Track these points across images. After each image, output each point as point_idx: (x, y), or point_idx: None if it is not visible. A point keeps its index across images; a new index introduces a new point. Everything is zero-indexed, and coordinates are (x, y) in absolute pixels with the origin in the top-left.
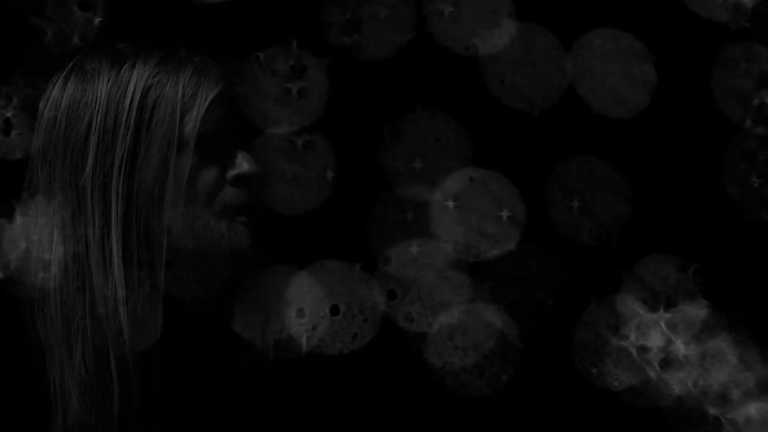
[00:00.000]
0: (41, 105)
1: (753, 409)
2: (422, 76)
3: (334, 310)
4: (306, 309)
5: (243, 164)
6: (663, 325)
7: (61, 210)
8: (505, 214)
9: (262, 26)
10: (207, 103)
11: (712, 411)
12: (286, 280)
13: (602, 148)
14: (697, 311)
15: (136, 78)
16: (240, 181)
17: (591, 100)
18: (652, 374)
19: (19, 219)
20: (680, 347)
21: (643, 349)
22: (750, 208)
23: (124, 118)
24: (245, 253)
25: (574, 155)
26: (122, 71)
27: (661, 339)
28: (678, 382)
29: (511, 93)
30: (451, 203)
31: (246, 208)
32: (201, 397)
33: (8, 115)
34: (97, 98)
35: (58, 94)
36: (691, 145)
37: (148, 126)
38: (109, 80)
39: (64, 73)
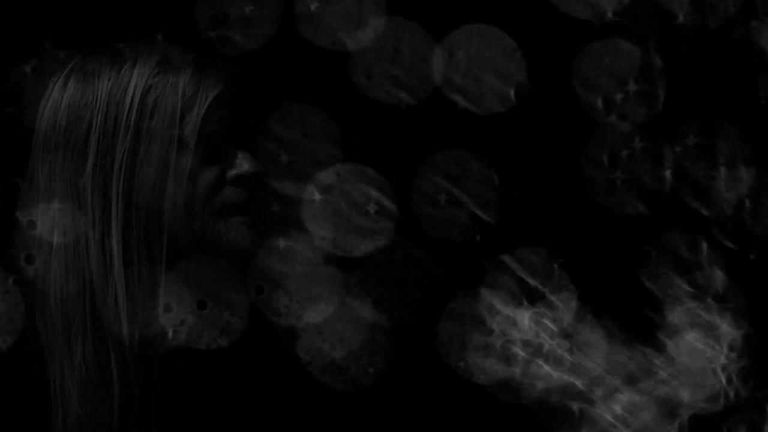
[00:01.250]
0: (41, 105)
1: (619, 401)
2: (289, 71)
3: (202, 305)
4: (173, 304)
5: (243, 164)
6: (528, 318)
7: (62, 210)
8: (372, 208)
9: (130, 20)
10: (207, 103)
11: (578, 404)
12: (156, 277)
13: (469, 143)
14: (562, 304)
15: (136, 78)
16: (240, 181)
17: (458, 95)
18: (518, 368)
19: (20, 218)
20: (546, 340)
21: (508, 343)
22: (614, 202)
23: (124, 118)
24: (245, 253)
25: (442, 150)
26: (122, 71)
27: (527, 332)
28: (543, 375)
29: (378, 88)
30: (318, 197)
31: (245, 207)
32: (201, 397)
33: None
34: (97, 98)
35: (59, 94)
36: (556, 140)
37: (148, 126)
38: (109, 80)
39: (65, 73)
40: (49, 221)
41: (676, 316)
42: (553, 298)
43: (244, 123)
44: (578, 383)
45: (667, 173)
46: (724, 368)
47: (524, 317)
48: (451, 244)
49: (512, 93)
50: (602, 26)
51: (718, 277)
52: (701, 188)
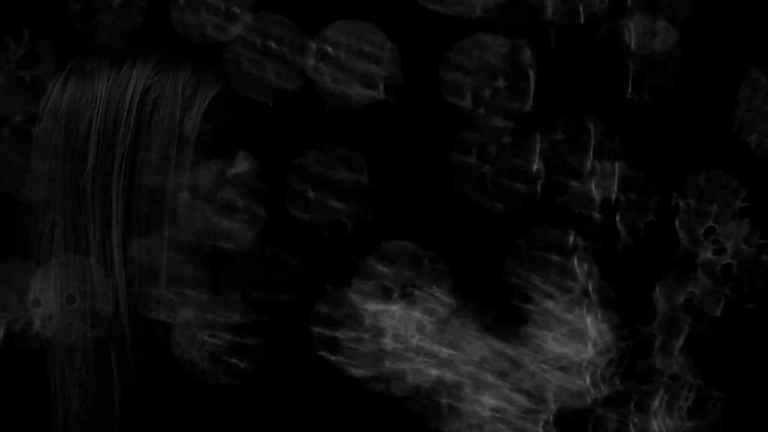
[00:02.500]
0: (41, 105)
1: (489, 395)
2: (158, 64)
3: (70, 300)
4: (41, 298)
5: (243, 163)
6: (398, 312)
7: (62, 210)
8: (241, 204)
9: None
10: (207, 102)
11: (447, 400)
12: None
13: (339, 138)
14: (432, 298)
15: (136, 78)
16: (240, 180)
17: (327, 91)
18: (389, 362)
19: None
20: (416, 334)
21: (378, 337)
22: (483, 196)
23: (124, 117)
24: (245, 252)
25: (312, 146)
26: (122, 71)
27: (397, 326)
28: (414, 369)
29: (248, 82)
30: (186, 193)
31: (246, 206)
32: (201, 397)
33: None
34: (97, 98)
35: (58, 94)
36: (426, 135)
37: (148, 125)
38: (109, 80)
39: (64, 73)
40: (48, 222)
41: (544, 310)
42: (423, 292)
43: (243, 122)
44: (448, 377)
45: (536, 168)
46: (591, 362)
47: (394, 311)
48: (321, 240)
49: (382, 88)
50: (471, 21)
51: (587, 271)
52: (570, 183)
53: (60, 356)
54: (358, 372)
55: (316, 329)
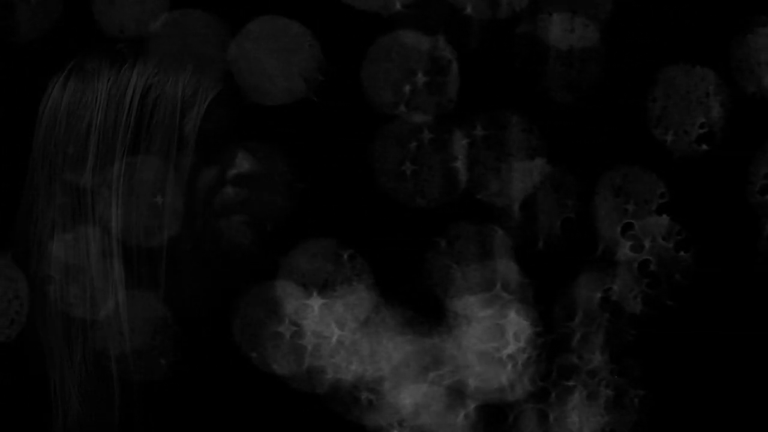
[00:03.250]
0: (41, 105)
1: (409, 390)
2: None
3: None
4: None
5: (243, 163)
6: (319, 308)
7: (61, 210)
8: (160, 200)
9: None
10: (207, 103)
11: (367, 394)
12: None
13: (261, 135)
14: (353, 295)
15: (136, 78)
16: (240, 180)
17: (248, 87)
18: (309, 358)
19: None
20: (336, 331)
21: (299, 334)
22: (403, 193)
23: (124, 117)
24: (245, 252)
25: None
26: (122, 71)
27: (318, 323)
28: (334, 365)
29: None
30: (108, 189)
31: (246, 206)
32: (201, 397)
33: None
34: (97, 98)
35: (58, 94)
36: (347, 132)
37: (148, 125)
38: (109, 80)
39: (64, 73)
40: (48, 221)
41: (464, 306)
42: (343, 288)
43: (243, 122)
44: (369, 372)
45: (457, 165)
46: (510, 358)
47: (315, 308)
48: (242, 236)
49: (302, 84)
50: (391, 18)
51: (507, 267)
52: (490, 179)
53: (59, 357)
54: (278, 368)
55: (238, 325)
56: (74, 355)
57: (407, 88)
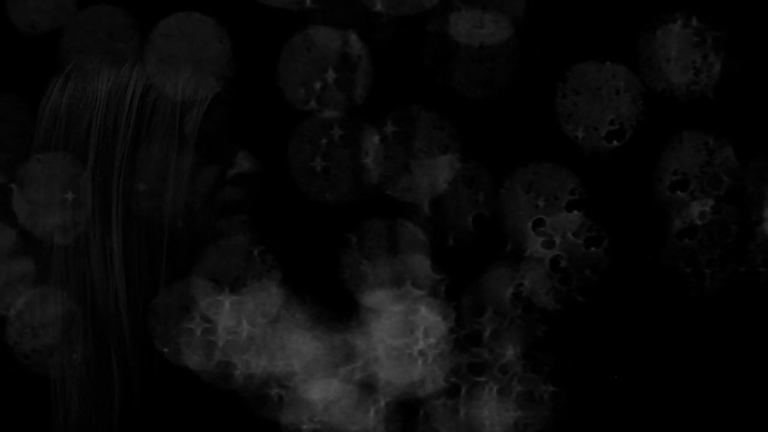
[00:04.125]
0: (41, 105)
1: (319, 386)
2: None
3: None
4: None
5: (243, 163)
6: (230, 305)
7: (62, 210)
8: (70, 197)
9: None
10: (207, 103)
11: (277, 390)
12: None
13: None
14: (263, 292)
15: (136, 78)
16: (240, 180)
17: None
18: (221, 354)
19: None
20: (247, 327)
21: (210, 330)
22: (314, 189)
23: (124, 117)
24: (245, 252)
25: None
26: (122, 71)
27: (228, 320)
28: (246, 361)
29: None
30: (14, 185)
31: (246, 206)
32: (201, 397)
33: None
34: (97, 98)
35: (58, 94)
36: (258, 128)
37: (148, 126)
38: (109, 80)
39: (65, 73)
40: (48, 221)
41: (375, 302)
42: (254, 284)
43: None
44: (279, 369)
45: (368, 161)
46: (421, 354)
47: (226, 304)
48: (160, 234)
49: (214, 81)
50: (301, 14)
51: (418, 263)
52: (401, 176)
53: (60, 356)
54: (190, 363)
55: (151, 322)
56: (74, 355)
57: (318, 84)
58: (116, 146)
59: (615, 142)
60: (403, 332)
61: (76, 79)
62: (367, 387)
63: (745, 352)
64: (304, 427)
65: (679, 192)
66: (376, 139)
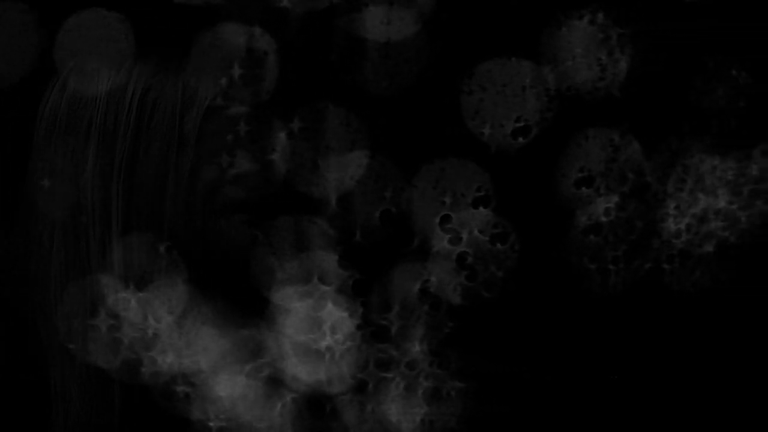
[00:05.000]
0: (41, 105)
1: (226, 383)
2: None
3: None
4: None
5: (243, 163)
6: (136, 302)
7: (62, 210)
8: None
9: None
10: (207, 103)
11: (183, 387)
12: None
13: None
14: (169, 288)
15: (136, 78)
16: (240, 180)
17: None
18: (127, 352)
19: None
20: (153, 324)
21: (116, 327)
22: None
23: (124, 118)
24: (245, 252)
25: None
26: (122, 71)
27: (136, 317)
28: (150, 359)
29: None
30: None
31: (246, 206)
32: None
33: None
34: (97, 98)
35: (59, 94)
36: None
37: (148, 125)
38: (109, 80)
39: (65, 74)
40: (49, 222)
41: (282, 298)
42: (160, 281)
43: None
44: (185, 365)
45: (274, 157)
46: (329, 349)
47: (132, 300)
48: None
49: (123, 79)
50: (209, 10)
51: (325, 259)
52: (304, 171)
53: (60, 356)
54: (96, 360)
55: (58, 319)
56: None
57: (223, 80)
58: (116, 146)
59: (521, 139)
60: (310, 328)
61: (76, 80)
62: (274, 383)
63: (648, 348)
64: (212, 423)
65: (584, 189)
66: (283, 135)
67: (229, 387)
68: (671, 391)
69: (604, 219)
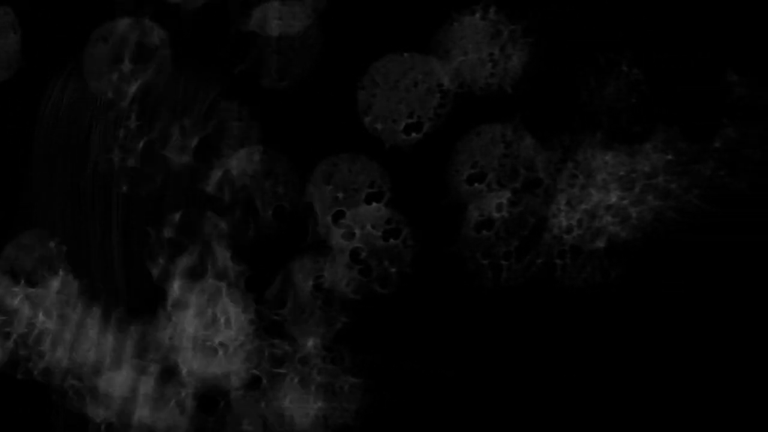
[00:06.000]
0: (42, 105)
1: (121, 378)
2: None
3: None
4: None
5: (243, 163)
6: (25, 298)
7: (62, 211)
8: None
9: None
10: (207, 102)
11: (75, 383)
12: None
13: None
14: (60, 284)
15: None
16: (240, 180)
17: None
18: (18, 348)
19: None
20: (43, 319)
21: (5, 322)
22: (115, 183)
23: (124, 118)
24: (245, 252)
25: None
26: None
27: (25, 312)
28: (40, 355)
29: None
30: None
31: (246, 206)
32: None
33: None
34: (97, 98)
35: (59, 94)
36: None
37: (147, 126)
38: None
39: (65, 73)
40: (49, 222)
41: (176, 293)
42: (50, 276)
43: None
44: (78, 359)
45: (168, 152)
46: (222, 345)
47: (22, 295)
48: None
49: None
50: (101, 4)
51: (219, 254)
52: (204, 167)
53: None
54: None
55: None
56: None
57: (114, 75)
58: (116, 146)
59: (413, 135)
60: (204, 324)
61: (77, 79)
62: (168, 378)
63: (541, 343)
64: (101, 419)
65: (476, 184)
66: (175, 129)
67: (122, 383)
68: (563, 385)
69: (496, 214)
